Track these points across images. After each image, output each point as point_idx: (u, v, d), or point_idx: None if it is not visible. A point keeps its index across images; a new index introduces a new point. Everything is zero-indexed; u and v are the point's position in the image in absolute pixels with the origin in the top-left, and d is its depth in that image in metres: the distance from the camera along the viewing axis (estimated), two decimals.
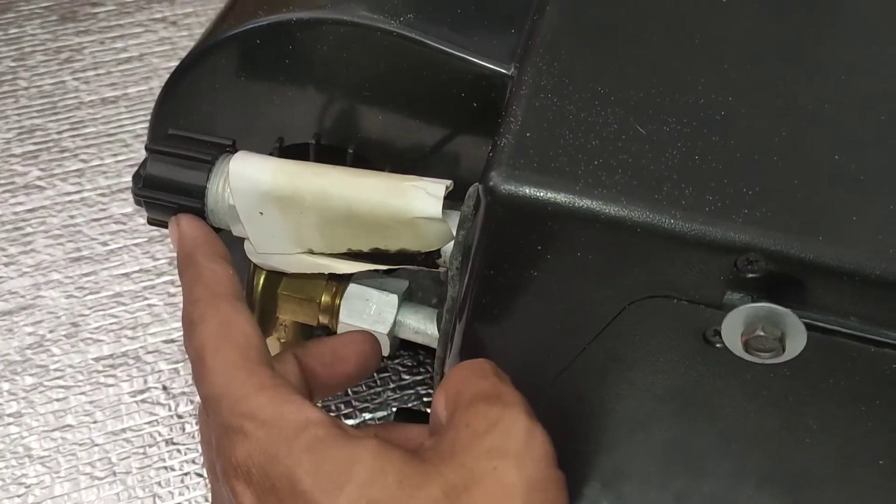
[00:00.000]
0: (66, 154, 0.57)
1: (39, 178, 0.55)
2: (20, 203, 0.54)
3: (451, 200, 0.36)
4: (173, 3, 0.68)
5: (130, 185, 0.55)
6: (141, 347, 0.47)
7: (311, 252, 0.35)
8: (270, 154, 0.40)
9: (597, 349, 0.33)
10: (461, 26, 0.36)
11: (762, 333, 0.29)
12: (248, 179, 0.34)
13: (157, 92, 0.62)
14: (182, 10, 0.67)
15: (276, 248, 0.35)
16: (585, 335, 0.33)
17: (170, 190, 0.35)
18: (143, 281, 0.50)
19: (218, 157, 0.35)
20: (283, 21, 0.36)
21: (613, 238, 0.30)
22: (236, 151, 0.36)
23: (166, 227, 0.36)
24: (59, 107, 0.60)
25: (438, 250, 0.34)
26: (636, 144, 0.31)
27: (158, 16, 0.67)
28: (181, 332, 0.51)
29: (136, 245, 0.52)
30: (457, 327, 0.35)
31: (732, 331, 0.30)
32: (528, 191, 0.30)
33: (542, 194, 0.30)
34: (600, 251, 0.30)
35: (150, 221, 0.36)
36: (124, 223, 0.53)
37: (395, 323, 0.38)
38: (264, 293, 0.38)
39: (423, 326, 0.38)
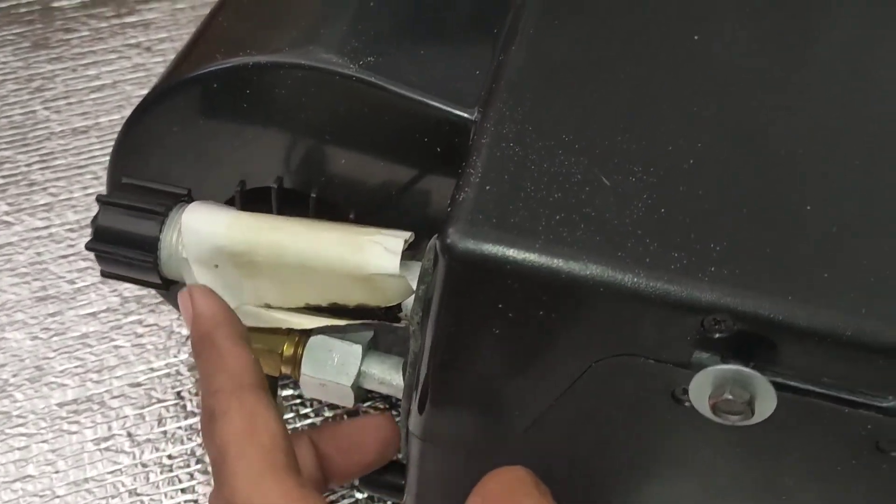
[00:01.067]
0: (34, 188, 0.55)
1: (7, 213, 0.54)
2: None
3: (413, 251, 0.35)
4: (148, 27, 0.67)
5: None
6: (106, 392, 0.46)
7: (269, 306, 0.34)
8: (233, 197, 0.39)
9: (563, 407, 0.32)
10: (424, 68, 0.35)
11: (730, 396, 0.28)
12: (201, 233, 0.32)
13: None
14: (156, 35, 0.66)
15: (231, 301, 0.34)
16: (550, 393, 0.32)
17: (121, 243, 0.34)
18: (109, 321, 0.49)
19: (172, 207, 0.34)
20: (240, 65, 0.35)
21: (575, 297, 0.29)
22: (192, 201, 0.34)
23: (122, 280, 0.35)
24: (28, 138, 0.59)
25: (399, 304, 0.33)
26: (600, 196, 0.30)
27: (133, 41, 0.66)
28: (147, 375, 0.50)
29: (103, 283, 0.50)
30: (419, 381, 0.34)
31: (700, 393, 0.29)
32: (486, 248, 0.29)
33: (501, 252, 0.29)
34: (562, 310, 0.29)
35: (105, 274, 0.35)
36: (92, 259, 0.51)
37: (359, 374, 0.37)
38: None
39: (388, 377, 0.37)
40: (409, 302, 0.33)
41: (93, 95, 0.61)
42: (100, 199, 0.34)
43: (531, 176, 0.31)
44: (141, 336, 0.48)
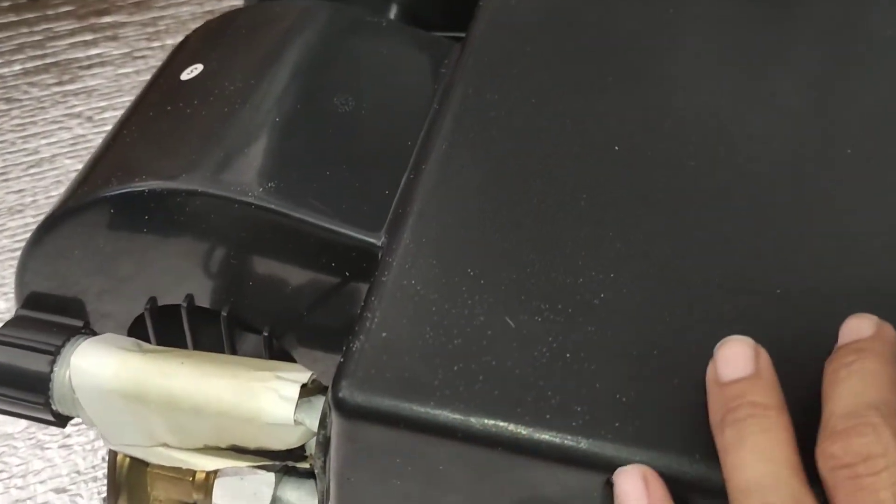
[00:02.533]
0: None
1: None
2: None
3: (320, 383, 0.33)
4: (90, 95, 0.65)
5: None
6: (30, 499, 0.44)
7: (167, 445, 0.32)
8: (142, 315, 0.37)
9: None
10: (330, 191, 0.33)
11: None
12: (91, 376, 0.31)
13: None
14: (98, 104, 0.64)
15: (129, 440, 0.32)
16: None
17: (11, 383, 0.32)
18: None
19: (66, 342, 0.33)
20: (134, 192, 0.33)
21: (475, 453, 0.27)
22: (88, 334, 0.33)
23: (17, 417, 0.34)
24: None
25: (303, 445, 0.31)
26: (503, 341, 0.29)
27: (74, 110, 0.64)
28: (73, 480, 0.49)
29: None
30: None
31: None
32: (379, 404, 0.27)
33: (394, 408, 0.27)
34: (464, 465, 0.28)
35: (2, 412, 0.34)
36: None
37: (273, 501, 0.35)
38: (132, 471, 0.36)
39: (305, 503, 0.36)
40: (314, 441, 0.31)
41: (31, 171, 0.60)
42: None
43: (431, 319, 0.29)
44: (68, 436, 0.47)
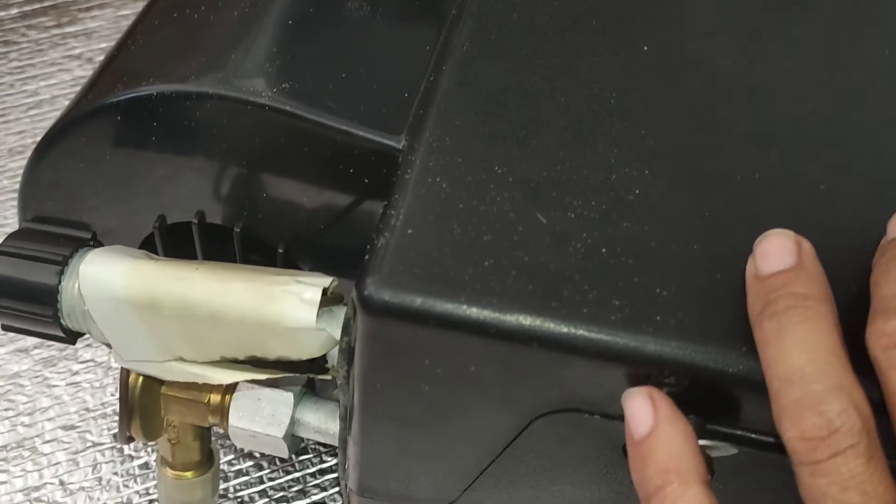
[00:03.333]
0: None
1: None
2: None
3: (340, 293, 0.32)
4: (90, 37, 0.63)
5: None
6: (38, 436, 0.43)
7: (182, 359, 0.31)
8: (152, 235, 0.36)
9: (505, 464, 0.29)
10: (346, 93, 0.32)
11: None
12: (101, 285, 0.29)
13: None
14: (98, 45, 0.63)
15: (141, 355, 0.31)
16: (489, 451, 0.29)
17: (18, 296, 0.31)
18: (42, 357, 0.46)
19: (73, 253, 0.31)
20: (141, 96, 0.32)
21: (508, 351, 0.26)
22: (98, 245, 0.32)
23: (24, 334, 0.32)
24: None
25: (324, 355, 0.30)
26: (535, 237, 0.27)
27: (74, 52, 0.62)
28: (82, 416, 0.47)
29: None
30: (351, 437, 0.31)
31: None
32: (407, 301, 0.26)
33: (423, 305, 0.26)
34: (495, 365, 0.27)
35: (5, 328, 0.32)
36: None
37: (292, 423, 0.34)
38: (144, 394, 0.34)
39: (324, 425, 0.34)
40: (336, 352, 0.30)
41: (31, 112, 0.58)
42: None
43: (459, 216, 0.28)
44: (76, 373, 0.45)
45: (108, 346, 0.32)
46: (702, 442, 0.25)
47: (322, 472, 0.42)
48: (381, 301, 0.26)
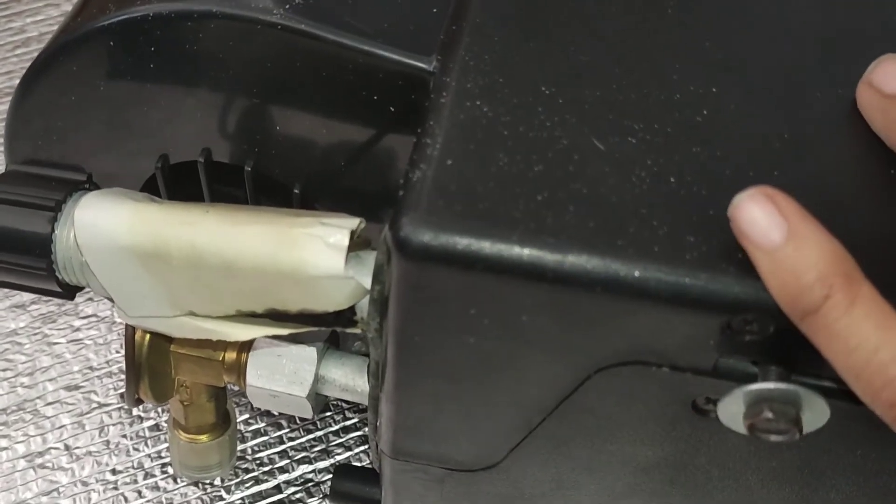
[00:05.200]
0: None
1: None
2: None
3: (367, 237, 0.29)
4: None
5: None
6: (39, 398, 0.40)
7: (193, 314, 0.28)
8: (153, 177, 0.33)
9: (556, 422, 0.26)
10: (367, 9, 0.28)
11: (770, 415, 0.22)
12: (100, 232, 0.26)
13: None
14: None
15: (148, 310, 0.28)
16: (540, 408, 0.26)
17: (5, 247, 0.27)
18: (41, 313, 0.43)
19: (67, 198, 0.28)
20: (136, 17, 0.28)
21: (567, 297, 0.23)
22: (92, 188, 0.28)
23: (17, 289, 0.29)
24: None
25: (352, 306, 0.27)
26: (592, 166, 0.24)
27: None
28: (86, 376, 0.44)
29: None
30: (383, 394, 0.28)
31: (732, 412, 0.23)
32: (450, 242, 0.23)
33: (469, 247, 0.23)
34: (552, 313, 0.23)
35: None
36: None
37: (315, 381, 0.31)
38: (153, 352, 0.31)
39: (351, 382, 0.31)
40: (365, 303, 0.27)
41: (18, 51, 0.54)
42: None
43: (504, 144, 0.24)
44: (77, 330, 0.42)
45: (111, 300, 0.29)
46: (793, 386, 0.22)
47: (346, 429, 0.39)
48: (419, 243, 0.23)
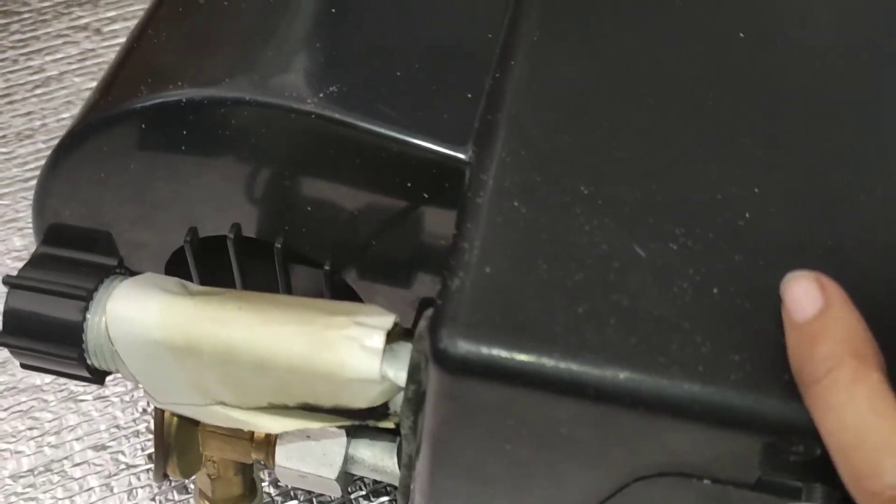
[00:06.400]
0: None
1: None
2: None
3: (399, 327, 0.28)
4: (96, 5, 0.59)
5: None
6: (66, 458, 0.40)
7: (224, 404, 0.27)
8: (182, 249, 0.32)
9: None
10: (401, 97, 0.28)
11: None
12: (131, 325, 0.26)
13: None
14: (106, 14, 0.58)
15: (177, 398, 0.28)
16: None
17: (37, 335, 0.27)
18: None
19: (99, 285, 0.27)
20: (169, 102, 0.28)
21: (608, 414, 0.23)
22: (124, 274, 0.28)
23: (46, 373, 0.29)
24: None
25: (386, 402, 0.27)
26: (633, 275, 0.24)
27: (80, 22, 0.58)
28: (113, 435, 0.44)
29: None
30: (416, 487, 0.28)
31: None
32: (490, 357, 0.22)
33: (509, 362, 0.22)
34: (592, 427, 0.23)
35: (25, 366, 0.29)
36: None
37: (345, 461, 0.31)
38: (181, 430, 0.31)
39: (381, 463, 0.31)
40: (399, 397, 0.27)
41: (37, 91, 0.54)
42: (7, 281, 0.28)
43: (544, 249, 0.24)
44: (104, 386, 0.42)
45: (138, 384, 0.28)
46: None
47: (376, 493, 0.39)
48: (458, 355, 0.22)
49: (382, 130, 0.27)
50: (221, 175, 0.30)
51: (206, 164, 0.30)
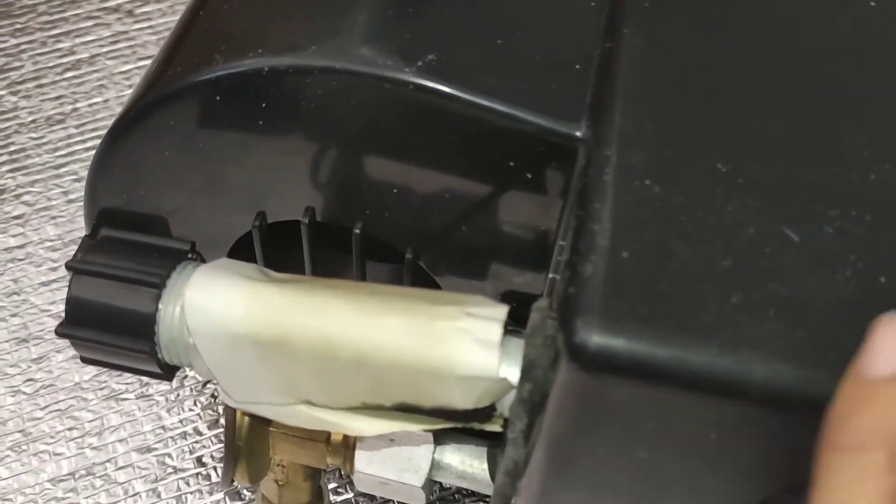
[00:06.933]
0: (5, 195, 0.46)
1: None
2: None
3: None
4: None
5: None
6: (109, 461, 0.37)
7: (310, 403, 0.25)
8: (248, 235, 0.30)
9: None
10: (504, 67, 0.25)
11: None
12: (214, 316, 0.23)
13: (113, 106, 0.52)
14: None
15: (257, 396, 0.25)
16: None
17: (105, 326, 0.25)
18: None
19: (170, 272, 0.25)
20: (248, 71, 0.25)
21: (771, 417, 0.20)
22: (197, 259, 0.25)
23: (108, 367, 0.27)
24: None
25: (493, 403, 0.24)
26: (788, 261, 0.21)
27: (110, 4, 0.55)
28: (158, 436, 0.41)
29: None
30: (520, 495, 0.25)
31: None
32: (634, 351, 0.20)
33: (656, 356, 0.20)
34: (748, 433, 0.20)
35: (86, 360, 0.26)
36: None
37: (431, 468, 0.28)
38: (252, 433, 0.28)
39: (469, 469, 0.28)
40: (508, 399, 0.24)
41: (68, 74, 0.52)
42: (71, 266, 0.25)
43: (684, 232, 0.22)
44: (146, 384, 0.40)
45: (213, 381, 0.26)
46: None
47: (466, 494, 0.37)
48: (598, 351, 0.20)
49: (488, 104, 0.24)
50: (299, 152, 0.27)
51: (283, 140, 0.27)
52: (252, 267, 0.25)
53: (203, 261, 0.26)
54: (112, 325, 0.25)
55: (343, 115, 0.26)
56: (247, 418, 0.28)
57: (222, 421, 0.39)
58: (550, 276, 0.28)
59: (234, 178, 0.29)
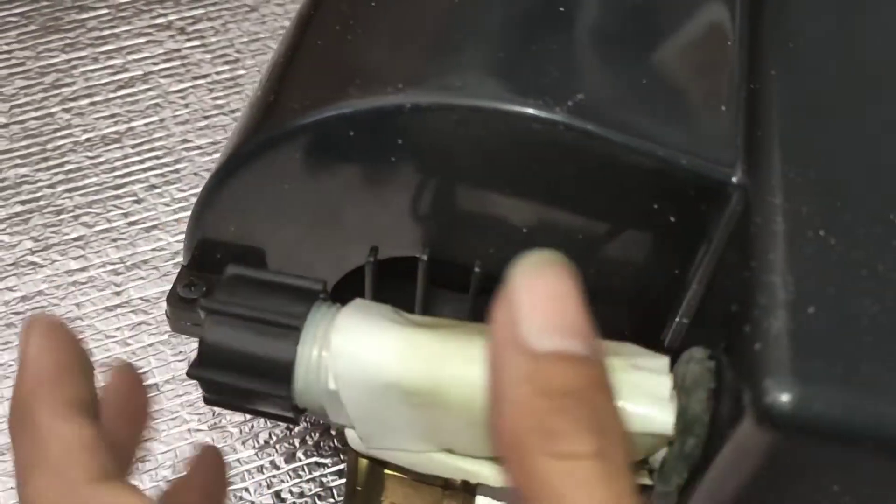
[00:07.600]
0: (63, 216, 0.45)
1: (32, 252, 0.44)
2: (10, 289, 0.42)
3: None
4: (178, 2, 0.55)
5: (149, 260, 0.44)
6: None
7: (450, 451, 0.24)
8: (359, 269, 0.29)
9: None
10: (652, 109, 0.25)
11: None
12: (363, 363, 0.23)
13: (169, 125, 0.51)
14: (190, 13, 0.54)
15: (394, 443, 0.24)
16: None
17: (241, 369, 0.24)
18: (177, 395, 0.39)
19: (306, 314, 0.24)
20: (390, 107, 0.24)
21: None
22: (328, 300, 0.24)
23: (232, 409, 0.26)
24: (48, 150, 0.48)
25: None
26: None
27: (161, 21, 0.54)
28: (236, 470, 0.40)
29: (162, 343, 0.41)
30: None
31: None
32: (828, 410, 0.19)
33: (853, 418, 0.19)
34: None
35: (210, 402, 0.25)
36: (147, 312, 0.42)
37: None
38: (370, 476, 0.28)
39: None
40: (660, 453, 0.23)
41: (121, 92, 0.50)
42: (206, 306, 0.24)
43: (868, 287, 0.21)
44: (219, 415, 0.38)
45: (343, 427, 0.25)
46: None
47: None
48: (790, 412, 0.19)
49: (641, 146, 0.24)
50: (427, 189, 0.27)
51: (416, 177, 0.26)
52: (388, 308, 0.25)
53: (333, 300, 0.25)
54: (248, 369, 0.24)
55: (483, 154, 0.25)
56: (364, 461, 0.28)
57: (299, 454, 0.38)
58: (681, 320, 0.28)
59: (353, 213, 0.28)
